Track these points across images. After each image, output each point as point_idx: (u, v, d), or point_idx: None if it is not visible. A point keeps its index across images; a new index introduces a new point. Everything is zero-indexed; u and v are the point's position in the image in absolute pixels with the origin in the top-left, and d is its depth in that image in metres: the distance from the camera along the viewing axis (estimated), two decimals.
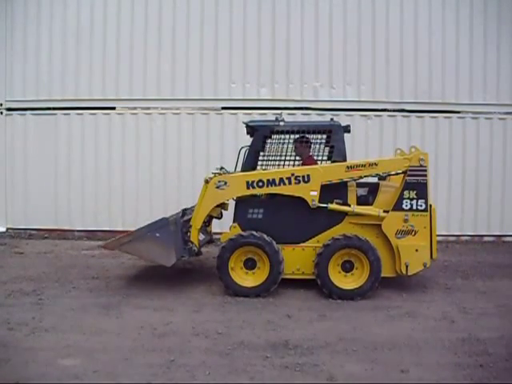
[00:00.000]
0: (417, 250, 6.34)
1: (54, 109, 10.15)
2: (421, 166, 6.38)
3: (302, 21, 9.94)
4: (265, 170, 6.71)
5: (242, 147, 6.83)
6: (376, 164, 6.45)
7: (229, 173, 6.71)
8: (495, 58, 9.92)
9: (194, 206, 7.45)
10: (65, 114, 10.11)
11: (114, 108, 10.10)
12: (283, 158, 6.72)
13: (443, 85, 9.94)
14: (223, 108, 10.00)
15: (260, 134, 6.65)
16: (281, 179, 6.40)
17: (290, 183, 6.40)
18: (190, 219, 6.78)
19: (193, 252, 6.50)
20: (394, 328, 5.37)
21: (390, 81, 9.95)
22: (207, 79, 9.99)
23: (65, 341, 4.89)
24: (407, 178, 6.40)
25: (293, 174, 6.41)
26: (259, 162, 6.70)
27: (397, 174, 6.59)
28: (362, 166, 6.40)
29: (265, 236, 6.30)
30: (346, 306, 6.06)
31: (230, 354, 4.66)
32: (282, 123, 6.60)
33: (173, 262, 6.24)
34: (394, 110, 10.01)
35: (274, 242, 6.30)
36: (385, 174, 6.72)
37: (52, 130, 10.11)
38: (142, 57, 10.00)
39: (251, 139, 6.74)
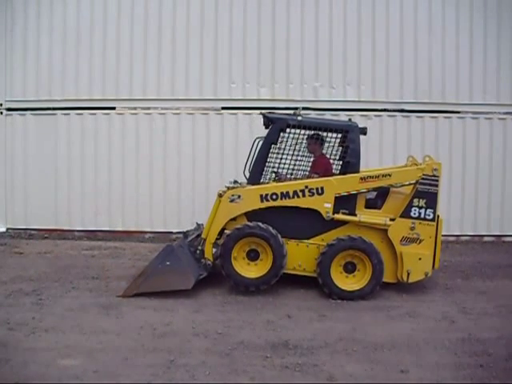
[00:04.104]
0: (420, 259, 6.35)
1: (54, 109, 10.12)
2: (433, 175, 6.36)
3: (302, 21, 9.93)
4: (277, 162, 6.63)
5: (257, 138, 6.80)
6: (390, 175, 6.44)
7: (242, 186, 6.65)
8: (495, 57, 9.90)
9: (195, 229, 7.48)
10: (65, 114, 10.09)
11: (114, 108, 10.08)
12: (296, 152, 6.65)
13: (443, 85, 9.93)
14: (223, 108, 9.99)
15: (276, 126, 6.59)
16: (294, 192, 6.38)
17: (303, 195, 6.38)
18: (194, 238, 6.81)
19: (208, 267, 6.49)
20: (394, 328, 5.37)
21: (390, 81, 9.94)
22: (207, 79, 9.97)
23: (65, 341, 4.89)
24: (418, 186, 6.38)
25: (306, 187, 6.39)
26: (270, 155, 6.64)
27: (410, 184, 6.52)
28: (376, 177, 6.39)
29: (271, 228, 6.27)
30: (346, 306, 6.06)
31: (229, 354, 4.66)
32: (299, 118, 6.57)
33: (192, 283, 6.14)
34: (394, 110, 9.99)
35: (279, 236, 6.27)
36: (398, 185, 6.56)
37: (52, 130, 10.08)
38: (142, 57, 9.98)
39: (266, 131, 6.68)
